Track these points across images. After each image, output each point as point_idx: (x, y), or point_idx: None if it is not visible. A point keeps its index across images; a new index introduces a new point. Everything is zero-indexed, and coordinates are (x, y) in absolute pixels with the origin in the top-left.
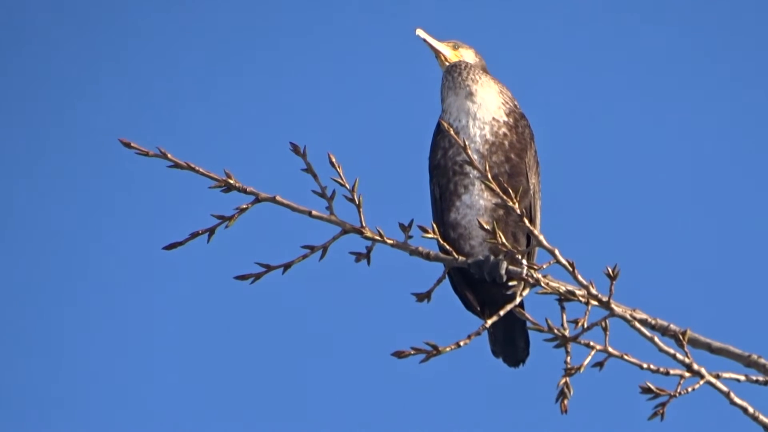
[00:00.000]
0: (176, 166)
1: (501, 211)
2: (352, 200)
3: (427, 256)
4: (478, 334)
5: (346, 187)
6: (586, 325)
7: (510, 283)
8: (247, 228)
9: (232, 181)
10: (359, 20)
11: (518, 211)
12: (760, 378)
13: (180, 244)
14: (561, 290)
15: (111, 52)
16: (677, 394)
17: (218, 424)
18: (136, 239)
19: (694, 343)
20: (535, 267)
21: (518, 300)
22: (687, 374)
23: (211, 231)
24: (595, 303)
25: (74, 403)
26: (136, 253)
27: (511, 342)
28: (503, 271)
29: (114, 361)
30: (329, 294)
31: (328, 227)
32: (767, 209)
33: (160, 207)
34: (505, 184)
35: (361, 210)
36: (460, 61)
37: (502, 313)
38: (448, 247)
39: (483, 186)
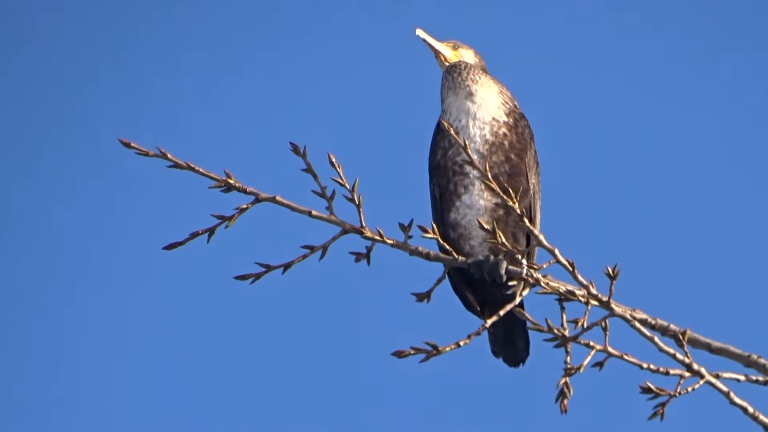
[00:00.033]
0: (176, 166)
1: (501, 211)
2: (352, 200)
3: (427, 256)
4: (478, 334)
5: (346, 187)
6: (586, 325)
7: (510, 283)
8: (247, 228)
9: (232, 181)
10: (359, 20)
11: (518, 211)
12: (760, 378)
13: (180, 244)
14: (561, 290)
15: (111, 52)
16: (677, 394)
17: (218, 424)
18: (136, 239)
19: (694, 343)
20: (535, 267)
21: (518, 300)
22: (687, 374)
23: (211, 231)
24: (595, 303)
25: (74, 403)
26: (136, 253)
27: (511, 342)
28: (503, 271)
29: (114, 361)
30: (329, 294)
31: (328, 227)
32: (767, 209)
33: (160, 207)
34: (505, 184)
35: (361, 210)
36: (459, 61)
37: (502, 313)
38: (448, 247)
39: (483, 186)
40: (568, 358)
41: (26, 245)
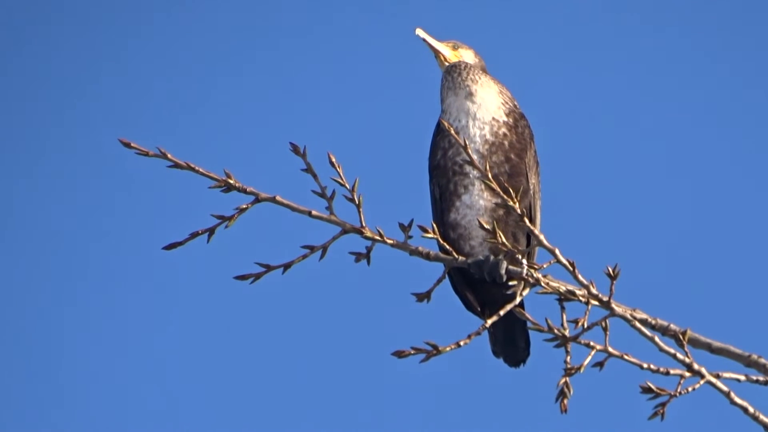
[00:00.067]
0: (176, 166)
1: (501, 211)
2: (352, 200)
3: (427, 256)
4: (478, 333)
5: (346, 187)
6: (586, 325)
7: (510, 283)
8: (247, 228)
9: (232, 181)
10: (359, 20)
11: (518, 211)
12: (761, 378)
13: (180, 244)
14: (561, 290)
15: (111, 52)
16: (677, 394)
17: (218, 423)
18: (136, 239)
19: (695, 343)
20: (536, 267)
21: (518, 300)
22: (687, 374)
23: (211, 231)
24: (596, 303)
25: (74, 403)
26: (136, 253)
27: (511, 342)
28: (503, 271)
29: (114, 361)
30: (329, 294)
31: (328, 227)
32: (767, 209)
33: (160, 207)
34: (505, 184)
35: (361, 210)
36: (459, 61)
37: (502, 312)
38: (448, 247)
39: (483, 186)
40: (568, 358)
41: (26, 245)
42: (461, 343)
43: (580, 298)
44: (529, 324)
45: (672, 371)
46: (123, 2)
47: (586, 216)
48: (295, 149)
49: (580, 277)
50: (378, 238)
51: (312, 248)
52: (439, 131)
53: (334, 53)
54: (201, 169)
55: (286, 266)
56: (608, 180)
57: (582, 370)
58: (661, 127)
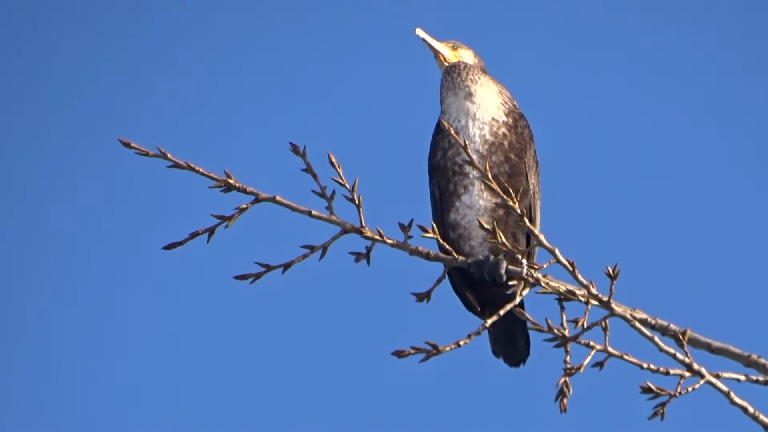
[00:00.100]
0: (176, 166)
1: (501, 211)
2: (352, 200)
3: (427, 256)
4: (478, 333)
5: (346, 187)
6: (586, 325)
7: (510, 283)
8: (247, 228)
9: (232, 181)
10: (359, 20)
11: (518, 211)
12: (760, 378)
13: (180, 244)
14: (561, 290)
15: (111, 52)
16: (677, 394)
17: (218, 423)
18: (136, 239)
19: (694, 343)
20: (535, 267)
21: (518, 300)
22: (687, 374)
23: (211, 231)
24: (596, 303)
25: (74, 403)
26: (136, 253)
27: (511, 342)
28: (503, 271)
29: (114, 361)
30: (329, 294)
31: (328, 227)
32: (767, 209)
33: (160, 207)
34: (505, 184)
35: (361, 210)
36: (459, 61)
37: (502, 312)
38: (448, 246)
39: (483, 186)
40: (568, 357)
41: (26, 245)
42: (461, 343)
43: (580, 298)
44: (529, 324)
45: (672, 371)
46: (123, 2)
47: (586, 216)
48: (295, 149)
49: (580, 277)
50: (378, 238)
51: (312, 248)
52: (439, 131)
53: (334, 53)
54: (201, 169)
55: (286, 266)
56: (608, 180)
57: (582, 370)
58: (661, 127)
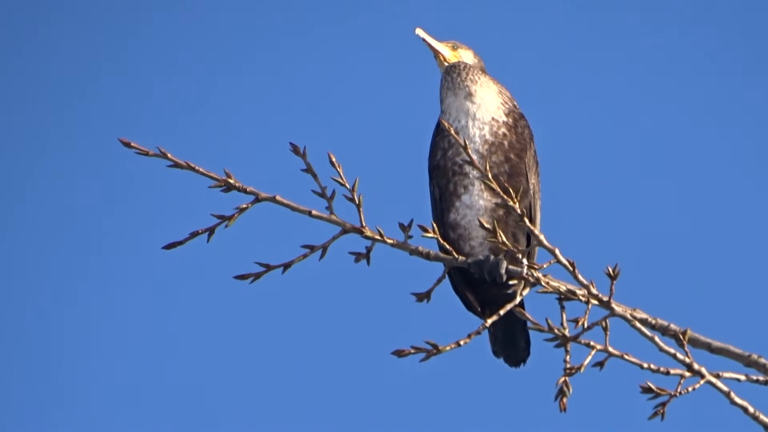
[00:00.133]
0: (176, 165)
1: (501, 211)
2: (352, 200)
3: (427, 256)
4: (478, 333)
5: (346, 187)
6: (586, 325)
7: (510, 283)
8: (247, 228)
9: (232, 181)
10: (359, 20)
11: (519, 211)
12: (761, 378)
13: (180, 243)
14: (561, 289)
15: (111, 52)
16: (677, 394)
17: (218, 423)
18: (136, 239)
19: (695, 342)
20: (536, 266)
21: (518, 299)
22: (687, 374)
23: (211, 231)
24: (596, 302)
25: (74, 403)
26: (136, 253)
27: (511, 342)
28: (503, 271)
29: (114, 360)
30: (329, 294)
31: (328, 227)
32: (766, 209)
33: (160, 207)
34: (505, 184)
35: (361, 210)
36: (459, 61)
37: (502, 312)
38: (448, 246)
39: (483, 186)
40: (568, 357)
41: (26, 245)
42: (461, 343)
43: (581, 297)
44: (529, 324)
45: (672, 371)
46: (123, 2)
47: (586, 216)
48: (295, 149)
49: (580, 277)
50: (378, 237)
51: (312, 248)
52: (439, 131)
53: (334, 53)
54: (201, 169)
55: (286, 266)
56: (608, 180)
57: (582, 369)
58: (661, 127)
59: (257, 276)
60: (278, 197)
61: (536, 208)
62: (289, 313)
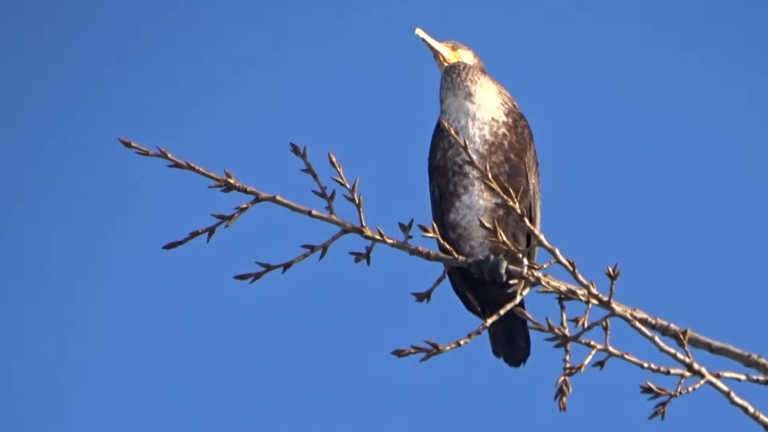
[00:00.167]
0: (176, 165)
1: (501, 211)
2: (352, 200)
3: (427, 256)
4: (478, 333)
5: (346, 187)
6: (586, 325)
7: (510, 282)
8: (247, 228)
9: (232, 181)
10: (359, 21)
11: (519, 211)
12: (761, 377)
13: (180, 243)
14: (561, 289)
15: (111, 52)
16: (678, 394)
17: (218, 423)
18: (136, 239)
19: (695, 342)
20: (536, 266)
21: (518, 299)
22: (687, 374)
23: (211, 230)
24: (596, 302)
25: (74, 403)
26: (136, 253)
27: (512, 342)
28: (503, 271)
29: (114, 361)
30: (329, 294)
31: (328, 227)
32: (767, 209)
33: (160, 207)
34: (505, 184)
35: (361, 210)
36: (458, 62)
37: (502, 312)
38: (448, 246)
39: (483, 186)
40: (568, 357)
41: (27, 245)
42: (461, 342)
43: (581, 297)
44: (529, 323)
45: (672, 371)
46: (123, 2)
47: (586, 216)
48: (295, 149)
49: (580, 277)
50: (378, 237)
51: (312, 248)
52: (439, 131)
53: (334, 53)
54: (201, 169)
55: (286, 266)
56: (608, 180)
57: (582, 369)
58: (661, 127)
59: (257, 276)
60: (278, 197)
61: (536, 208)
62: (289, 313)
